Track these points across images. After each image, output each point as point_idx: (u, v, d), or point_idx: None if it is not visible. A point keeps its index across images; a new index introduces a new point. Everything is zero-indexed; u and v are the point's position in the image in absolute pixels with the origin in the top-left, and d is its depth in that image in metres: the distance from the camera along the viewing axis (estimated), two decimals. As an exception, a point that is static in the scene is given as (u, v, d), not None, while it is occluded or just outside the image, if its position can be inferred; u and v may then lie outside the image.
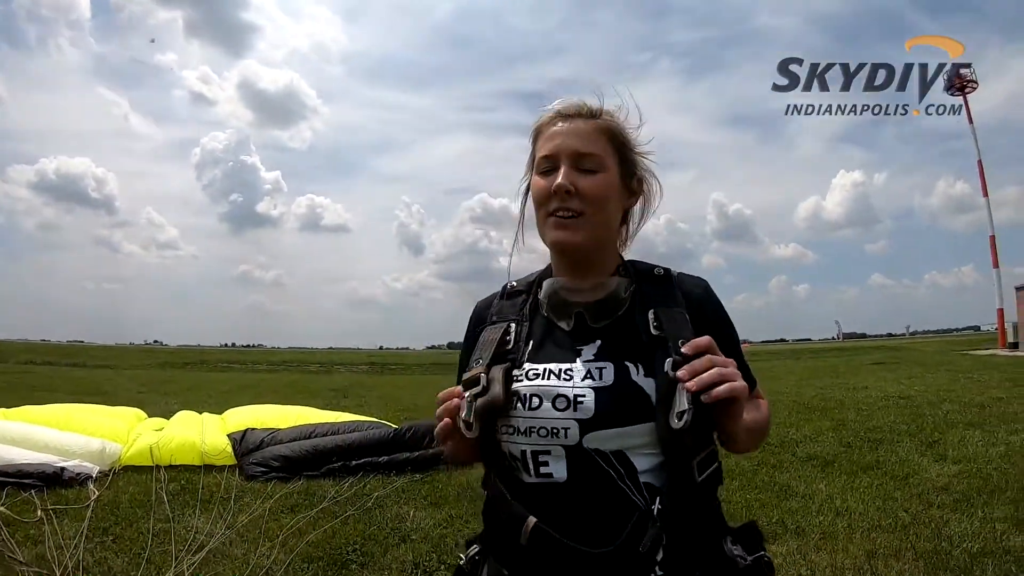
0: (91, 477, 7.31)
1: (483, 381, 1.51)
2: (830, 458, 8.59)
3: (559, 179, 1.56)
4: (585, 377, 1.49)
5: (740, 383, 1.32)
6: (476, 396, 1.48)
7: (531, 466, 1.50)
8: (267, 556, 5.14)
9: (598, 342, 1.56)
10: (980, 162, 47.03)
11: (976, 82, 48.36)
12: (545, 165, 1.63)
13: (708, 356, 1.35)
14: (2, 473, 6.70)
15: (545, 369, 1.54)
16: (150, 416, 10.61)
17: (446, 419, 1.48)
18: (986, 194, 47.11)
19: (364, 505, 6.56)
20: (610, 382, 1.47)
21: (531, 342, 1.63)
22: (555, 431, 1.46)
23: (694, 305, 1.60)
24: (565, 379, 1.50)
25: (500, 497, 1.55)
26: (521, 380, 1.54)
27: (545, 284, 1.67)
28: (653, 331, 1.51)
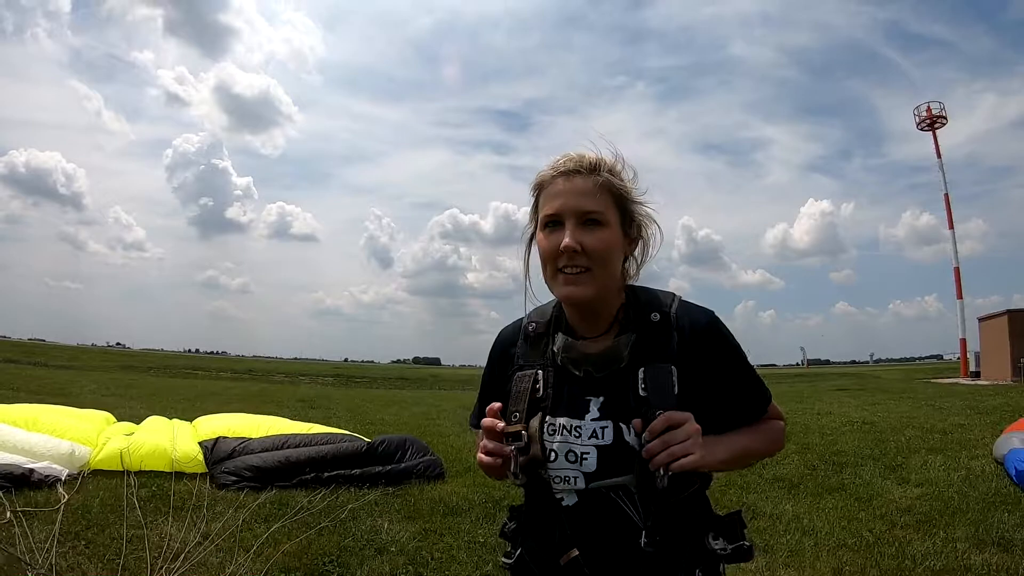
0: (60, 480, 7.24)
1: (524, 438, 1.76)
2: (796, 480, 8.74)
3: (567, 239, 1.73)
4: (590, 436, 1.75)
5: (691, 459, 1.57)
6: (519, 450, 1.77)
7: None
8: (243, 565, 5.15)
9: (602, 398, 1.78)
10: (947, 196, 47.67)
11: (946, 118, 49.23)
12: (550, 222, 1.79)
13: (661, 438, 1.60)
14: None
15: (560, 425, 1.78)
16: (119, 420, 10.53)
17: (492, 460, 1.76)
18: (952, 226, 47.80)
19: (338, 517, 6.58)
20: (609, 441, 1.73)
21: (551, 392, 1.84)
22: (567, 479, 1.77)
23: (691, 343, 1.78)
24: (575, 436, 1.76)
25: (544, 516, 1.85)
26: (546, 436, 1.79)
27: (559, 339, 1.87)
28: (641, 392, 1.73)
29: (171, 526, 6.03)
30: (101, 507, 6.55)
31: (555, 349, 1.87)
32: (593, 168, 1.79)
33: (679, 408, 1.65)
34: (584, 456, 1.74)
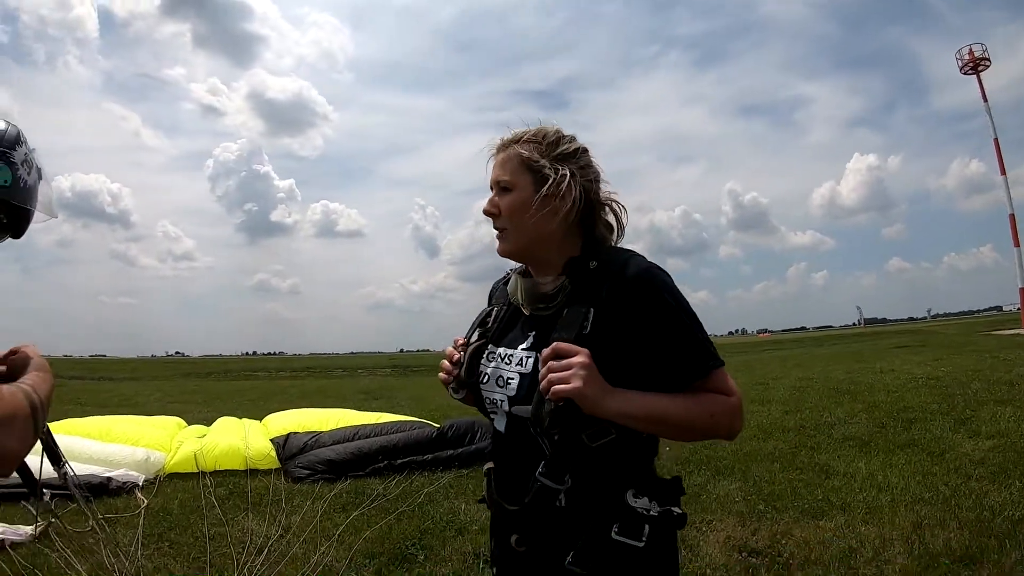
0: (138, 485, 7.40)
1: (464, 356, 2.05)
2: (866, 438, 8.69)
3: (485, 206, 2.03)
4: (517, 364, 1.93)
5: (566, 387, 1.66)
6: (457, 366, 2.07)
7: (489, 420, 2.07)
8: (327, 554, 5.24)
9: (534, 333, 1.96)
10: (996, 140, 46.44)
11: (988, 60, 48.11)
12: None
13: (547, 365, 1.71)
14: (49, 485, 6.78)
15: (498, 354, 2.00)
16: (189, 424, 10.75)
17: (441, 374, 2.11)
18: (1004, 172, 46.64)
19: (415, 501, 6.67)
20: (530, 370, 1.88)
21: (500, 325, 2.08)
22: (495, 401, 1.96)
23: (623, 292, 1.83)
24: (505, 364, 1.96)
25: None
26: (484, 359, 2.03)
27: (511, 280, 2.10)
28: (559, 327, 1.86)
29: (251, 521, 6.14)
30: (181, 508, 6.69)
31: (508, 289, 2.10)
32: (507, 144, 2.03)
33: (591, 350, 1.72)
34: (509, 380, 1.92)
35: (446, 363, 2.08)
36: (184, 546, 5.63)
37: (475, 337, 2.08)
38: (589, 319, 1.80)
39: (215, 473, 7.94)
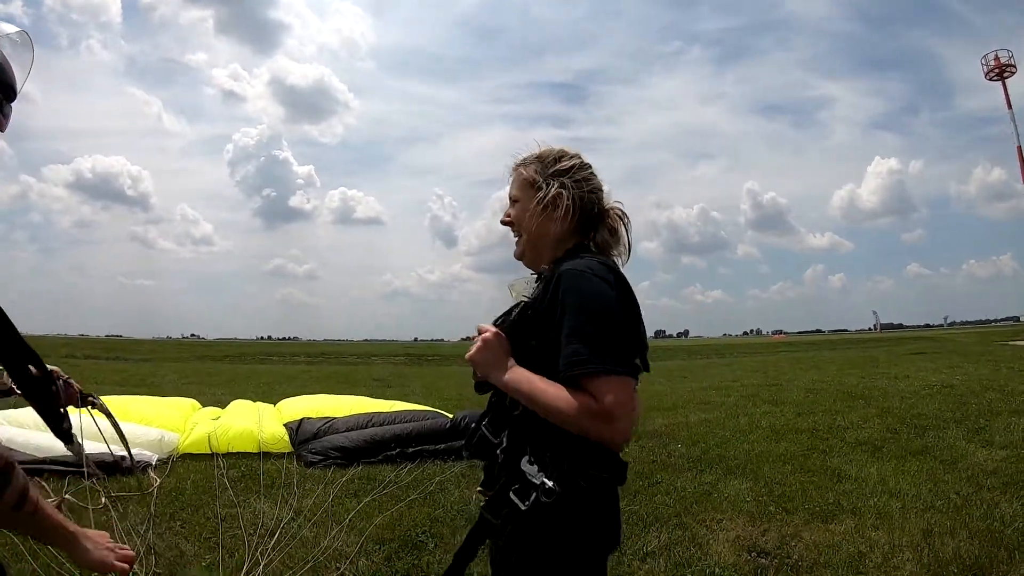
0: (151, 465, 7.45)
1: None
2: (879, 443, 8.67)
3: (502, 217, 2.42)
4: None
5: (468, 353, 2.13)
6: None
7: None
8: (337, 539, 5.26)
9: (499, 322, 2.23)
10: (1020, 148, 46.21)
11: (1015, 66, 47.77)
12: None
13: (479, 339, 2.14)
14: (63, 463, 6.81)
15: None
16: (203, 406, 10.79)
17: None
18: (1025, 181, 46.35)
19: (426, 489, 6.70)
20: None
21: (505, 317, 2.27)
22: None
23: (546, 293, 2.10)
24: None
25: None
26: None
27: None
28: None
29: (263, 503, 6.16)
30: (193, 488, 6.74)
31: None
32: (516, 166, 2.42)
33: (513, 336, 2.13)
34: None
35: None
36: (196, 526, 5.66)
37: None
38: (516, 310, 2.18)
39: (228, 455, 7.97)
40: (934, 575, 4.58)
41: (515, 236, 2.39)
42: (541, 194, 2.29)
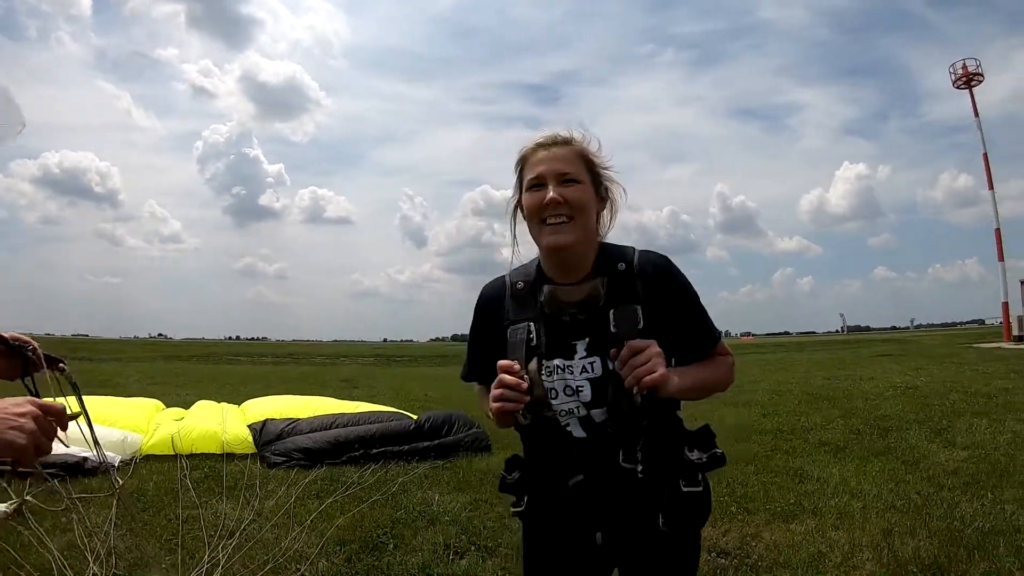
0: (114, 466, 7.37)
1: (527, 380, 2.00)
2: (841, 444, 8.77)
3: (550, 192, 2.04)
4: (581, 372, 2.03)
5: (653, 376, 1.83)
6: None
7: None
8: (298, 540, 5.21)
9: (587, 339, 2.04)
10: (985, 155, 46.65)
11: (982, 75, 48.31)
12: (534, 185, 2.09)
13: (628, 363, 1.88)
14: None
15: (556, 366, 2.05)
16: (168, 407, 10.72)
17: (514, 398, 1.96)
18: (991, 187, 46.82)
19: (389, 490, 6.67)
20: (599, 374, 2.01)
21: (546, 339, 2.08)
22: (570, 411, 2.04)
23: (651, 285, 2.06)
24: (569, 374, 2.03)
25: (553, 450, 2.11)
26: (544, 376, 2.05)
27: (544, 290, 2.12)
28: (612, 329, 2.00)
29: (225, 505, 6.11)
30: (156, 490, 6.70)
31: (541, 300, 2.11)
32: (567, 140, 2.12)
33: (635, 334, 1.96)
34: (579, 388, 2.02)
35: (510, 392, 1.97)
36: (157, 527, 5.63)
37: (529, 358, 2.07)
38: (639, 315, 2.01)
39: (191, 456, 7.93)
40: (893, 574, 4.61)
41: (557, 220, 2.04)
42: (602, 186, 2.14)
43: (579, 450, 2.04)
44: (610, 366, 1.98)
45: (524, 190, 2.13)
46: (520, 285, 2.19)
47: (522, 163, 2.17)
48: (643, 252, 2.12)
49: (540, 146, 2.12)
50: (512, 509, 2.26)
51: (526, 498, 2.20)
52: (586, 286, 2.07)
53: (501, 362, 2.01)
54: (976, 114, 47.33)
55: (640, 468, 2.01)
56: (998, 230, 45.76)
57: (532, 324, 2.10)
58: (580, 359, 2.03)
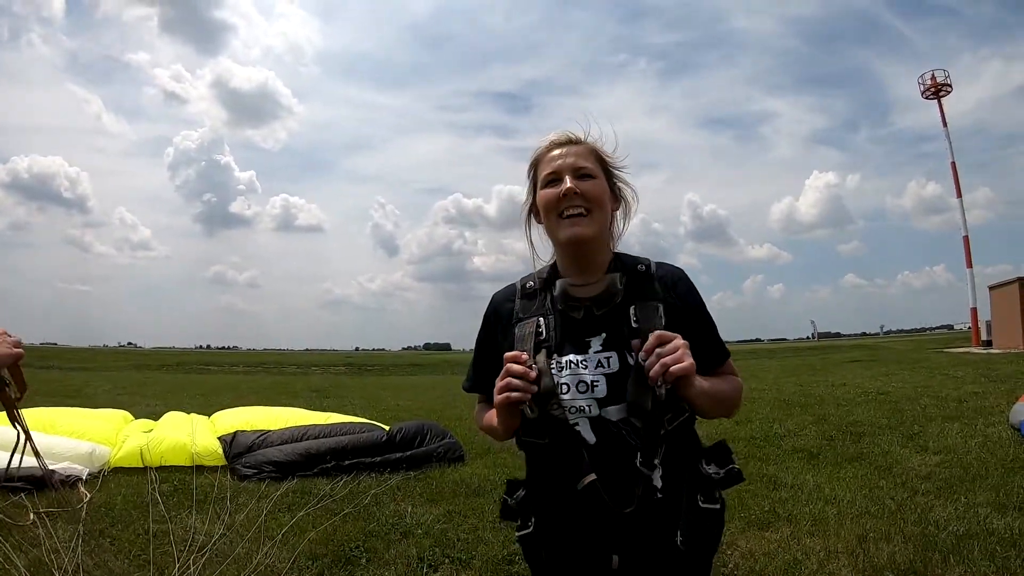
0: (81, 479, 7.25)
1: (535, 371, 1.88)
2: (815, 451, 8.81)
3: (567, 183, 2.01)
4: (597, 367, 1.93)
5: (682, 365, 1.73)
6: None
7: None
8: (269, 554, 5.15)
9: (603, 335, 1.97)
10: (953, 164, 47.39)
11: (951, 86, 48.99)
12: (550, 181, 2.07)
13: (655, 351, 1.76)
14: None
15: (567, 361, 1.96)
16: (136, 418, 10.58)
17: (514, 395, 1.84)
18: (959, 195, 47.54)
19: (361, 503, 6.61)
20: (616, 369, 1.92)
21: (557, 334, 2.02)
22: (580, 408, 1.91)
23: (671, 291, 2.04)
24: (583, 368, 1.93)
25: (561, 452, 1.92)
26: (554, 370, 1.94)
27: (557, 284, 2.07)
28: (634, 324, 1.95)
29: (195, 519, 6.02)
30: (124, 504, 6.56)
31: (555, 295, 2.07)
32: (582, 140, 2.13)
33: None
34: (594, 384, 1.91)
35: (517, 382, 1.84)
36: (126, 542, 5.50)
37: (539, 352, 1.98)
38: (660, 313, 1.97)
39: (160, 469, 7.82)
40: (868, 581, 4.61)
41: (575, 211, 2.01)
42: (616, 183, 2.15)
43: (590, 454, 1.89)
44: (630, 360, 1.90)
45: (539, 188, 2.11)
46: (531, 284, 2.17)
47: (536, 163, 2.17)
48: (659, 262, 2.12)
49: (555, 144, 2.13)
50: (517, 534, 2.07)
51: (533, 520, 2.03)
52: (603, 281, 2.04)
53: (508, 353, 1.89)
54: (944, 124, 48.05)
55: (660, 474, 1.87)
56: (966, 237, 46.44)
57: (542, 319, 2.05)
58: (595, 353, 1.95)
